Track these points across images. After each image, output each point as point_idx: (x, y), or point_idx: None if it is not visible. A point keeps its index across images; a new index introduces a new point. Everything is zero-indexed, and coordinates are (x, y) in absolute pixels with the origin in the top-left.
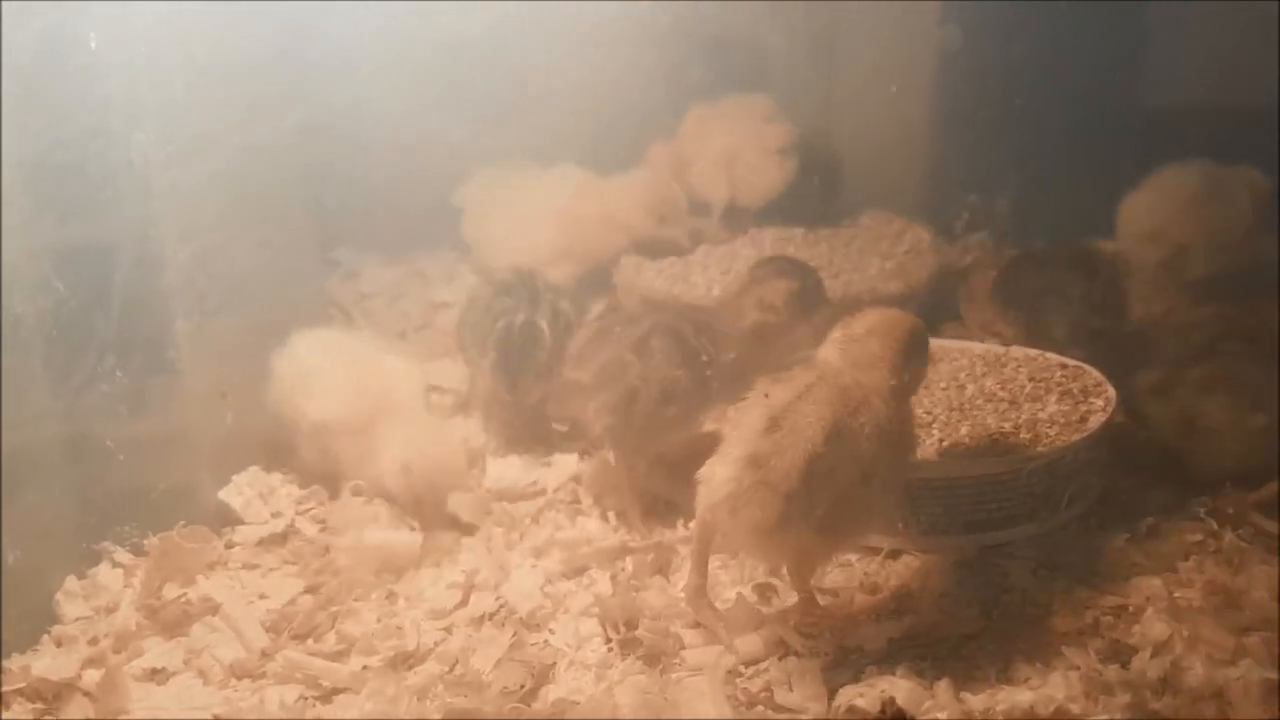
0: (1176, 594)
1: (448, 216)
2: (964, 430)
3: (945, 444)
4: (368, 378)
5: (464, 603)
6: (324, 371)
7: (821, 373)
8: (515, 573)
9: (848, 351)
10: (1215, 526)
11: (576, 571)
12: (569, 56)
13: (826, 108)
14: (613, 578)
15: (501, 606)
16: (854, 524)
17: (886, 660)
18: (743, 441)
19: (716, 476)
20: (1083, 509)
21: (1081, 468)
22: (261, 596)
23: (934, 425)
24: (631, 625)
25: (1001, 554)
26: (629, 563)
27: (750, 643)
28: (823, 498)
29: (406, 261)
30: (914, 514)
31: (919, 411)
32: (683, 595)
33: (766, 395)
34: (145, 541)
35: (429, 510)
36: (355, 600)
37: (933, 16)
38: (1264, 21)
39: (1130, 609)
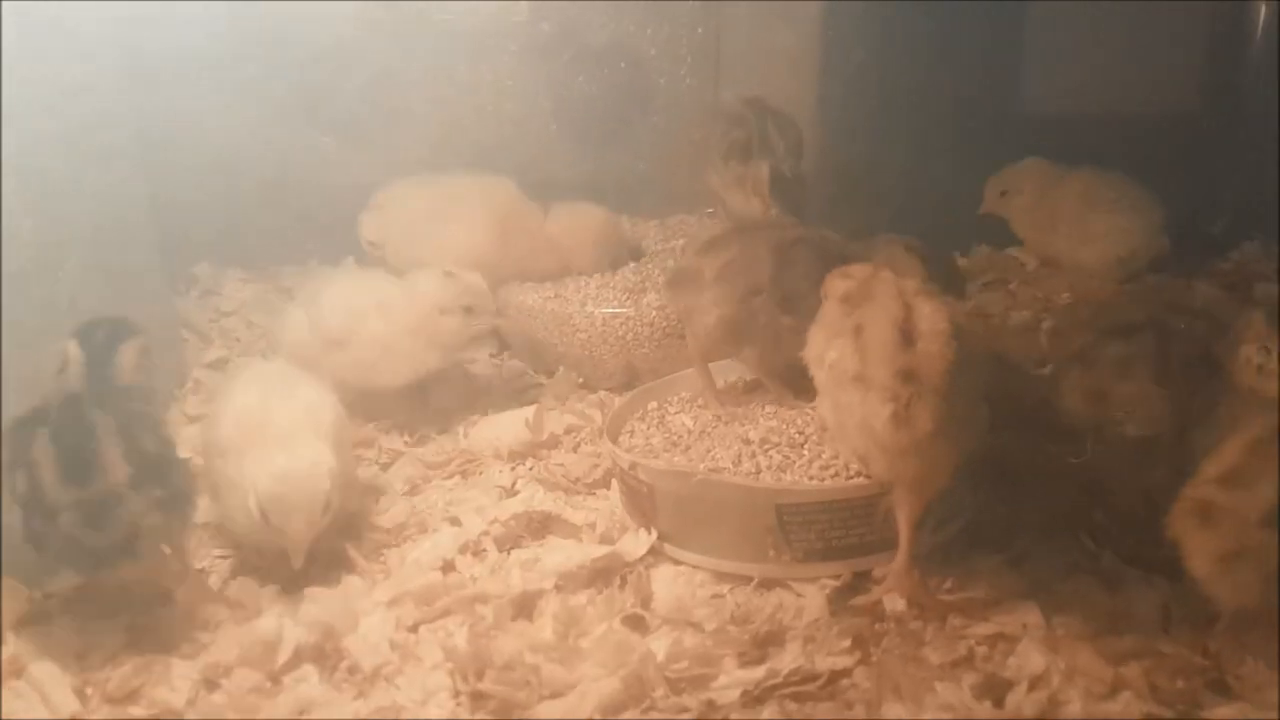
0: (1054, 619)
1: (316, 231)
2: (832, 451)
3: (815, 465)
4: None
5: (302, 658)
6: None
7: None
8: (364, 621)
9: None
10: (1092, 546)
11: (431, 619)
12: (443, 66)
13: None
14: (470, 626)
15: (344, 661)
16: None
17: (754, 702)
18: (886, 360)
19: (868, 401)
20: (956, 530)
21: (954, 487)
22: (79, 656)
23: (804, 446)
24: (482, 676)
25: (874, 581)
26: (489, 610)
27: (609, 687)
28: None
29: (271, 278)
30: (784, 540)
31: (791, 431)
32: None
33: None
34: None
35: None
36: (182, 658)
37: (818, 23)
38: (1144, 32)
39: (1006, 637)
